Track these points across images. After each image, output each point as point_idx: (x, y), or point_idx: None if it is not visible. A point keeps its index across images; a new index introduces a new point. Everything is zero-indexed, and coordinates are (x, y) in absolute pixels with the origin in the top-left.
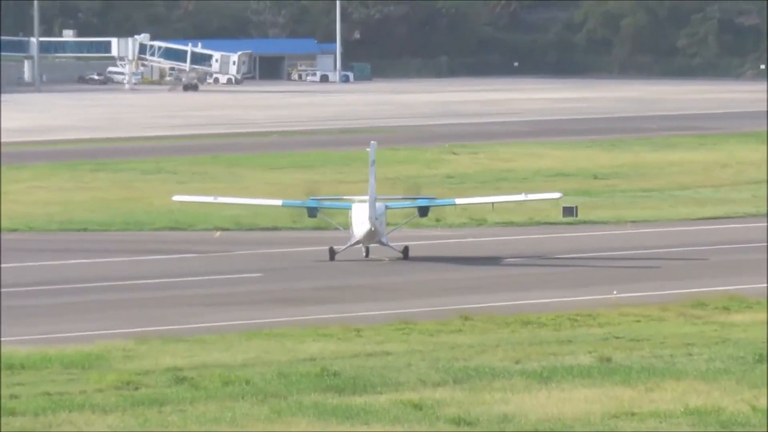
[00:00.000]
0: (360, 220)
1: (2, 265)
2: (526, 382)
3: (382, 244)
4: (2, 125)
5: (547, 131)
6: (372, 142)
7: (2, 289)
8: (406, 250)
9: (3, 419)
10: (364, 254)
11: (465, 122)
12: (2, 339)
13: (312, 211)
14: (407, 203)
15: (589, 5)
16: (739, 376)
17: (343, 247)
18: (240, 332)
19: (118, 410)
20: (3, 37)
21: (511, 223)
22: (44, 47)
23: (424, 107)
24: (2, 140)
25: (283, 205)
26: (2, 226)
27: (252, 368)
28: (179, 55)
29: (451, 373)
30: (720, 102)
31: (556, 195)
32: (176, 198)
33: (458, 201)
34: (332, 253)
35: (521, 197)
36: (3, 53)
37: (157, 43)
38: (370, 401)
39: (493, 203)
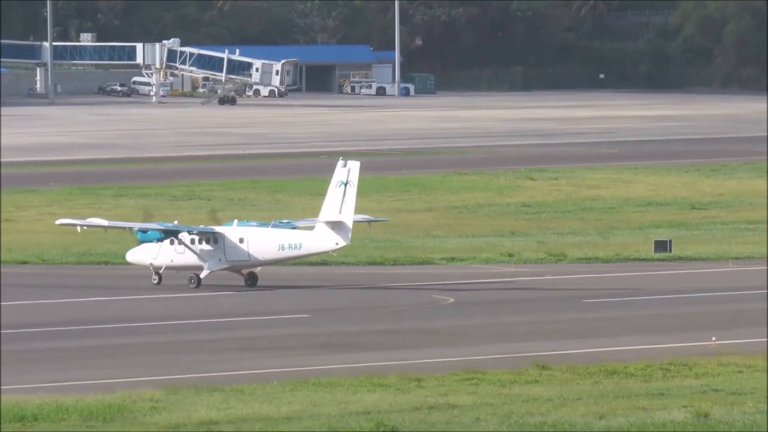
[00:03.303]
0: (279, 243)
1: (10, 303)
2: None
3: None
4: (9, 143)
5: (638, 154)
6: (349, 161)
7: (10, 331)
8: (253, 276)
9: None
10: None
11: (543, 143)
12: (12, 386)
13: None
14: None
15: (686, 8)
16: None
17: (207, 272)
18: (284, 381)
19: None
20: (11, 42)
21: (595, 259)
22: (59, 53)
23: (495, 125)
24: (9, 160)
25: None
26: (10, 258)
27: (298, 422)
28: (214, 64)
29: (525, 429)
30: None
31: (382, 219)
32: (60, 222)
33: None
34: (198, 280)
35: (360, 218)
36: (11, 60)
37: (188, 50)
38: None
39: (370, 222)
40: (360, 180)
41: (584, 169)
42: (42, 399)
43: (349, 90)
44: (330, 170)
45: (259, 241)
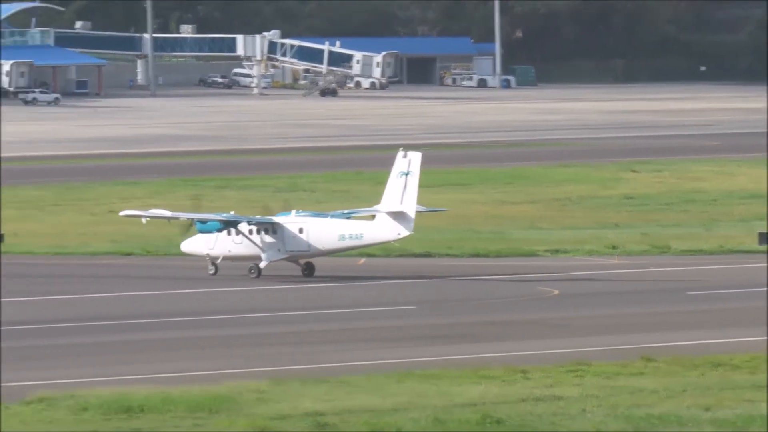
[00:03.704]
0: (350, 232)
1: (117, 294)
2: None
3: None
4: (112, 134)
5: (741, 146)
6: (410, 152)
7: (115, 322)
8: (310, 266)
9: None
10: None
11: (646, 135)
12: (119, 377)
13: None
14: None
15: None
16: None
17: (267, 262)
18: (390, 372)
19: None
20: (112, 33)
21: (699, 251)
22: (159, 45)
23: (597, 117)
24: (111, 151)
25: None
26: (115, 249)
27: (404, 413)
28: (315, 56)
29: (632, 421)
30: None
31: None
32: (123, 213)
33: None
34: (258, 270)
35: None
36: (112, 51)
37: (289, 42)
38: None
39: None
40: (462, 172)
41: (687, 161)
42: (148, 390)
43: (450, 82)
44: (432, 162)
45: (319, 231)
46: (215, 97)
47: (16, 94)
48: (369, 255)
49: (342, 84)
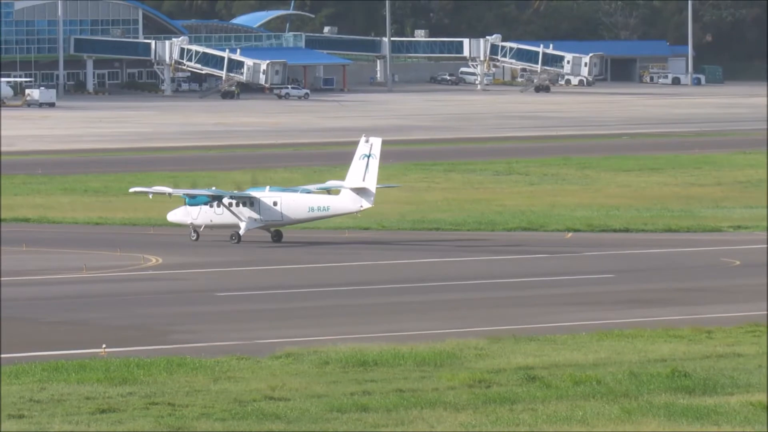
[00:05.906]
0: (318, 204)
1: (353, 263)
2: None
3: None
4: (353, 124)
5: None
6: (371, 137)
7: (350, 288)
8: (279, 233)
9: (355, 415)
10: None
11: None
12: (355, 336)
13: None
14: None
15: None
16: None
17: (245, 230)
18: (591, 332)
19: (469, 408)
20: (355, 37)
21: None
22: (396, 47)
23: None
24: (352, 139)
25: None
26: (354, 224)
27: (603, 368)
28: (531, 57)
29: None
30: None
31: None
32: (133, 190)
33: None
34: (238, 237)
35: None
36: (355, 53)
37: (509, 44)
38: (721, 402)
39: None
40: (657, 158)
41: None
42: (381, 347)
43: (648, 80)
44: (629, 149)
45: (291, 203)
46: (444, 92)
47: (271, 89)
48: (575, 230)
49: (554, 81)
